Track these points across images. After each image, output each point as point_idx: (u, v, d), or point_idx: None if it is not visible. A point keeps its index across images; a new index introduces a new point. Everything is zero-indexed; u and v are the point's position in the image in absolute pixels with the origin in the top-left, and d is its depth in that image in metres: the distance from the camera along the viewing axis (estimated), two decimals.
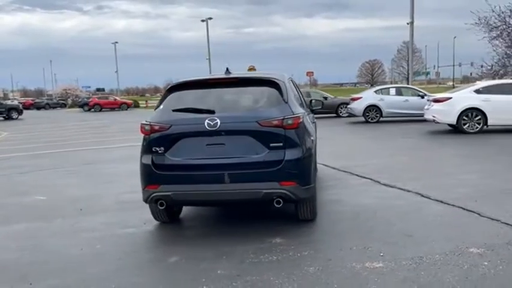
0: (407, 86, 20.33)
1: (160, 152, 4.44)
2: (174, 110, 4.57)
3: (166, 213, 4.92)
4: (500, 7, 17.79)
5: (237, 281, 3.45)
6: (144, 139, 4.59)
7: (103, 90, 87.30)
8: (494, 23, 18.15)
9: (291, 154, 4.27)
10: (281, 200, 4.28)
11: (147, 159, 4.51)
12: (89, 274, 3.78)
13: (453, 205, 5.24)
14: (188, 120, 4.43)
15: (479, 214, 4.83)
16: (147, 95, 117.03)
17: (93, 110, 43.55)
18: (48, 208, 6.19)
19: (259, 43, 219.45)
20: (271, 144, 4.26)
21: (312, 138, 4.76)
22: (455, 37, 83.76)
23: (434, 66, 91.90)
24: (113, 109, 44.33)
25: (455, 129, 12.80)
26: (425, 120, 13.87)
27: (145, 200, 4.58)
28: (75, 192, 7.10)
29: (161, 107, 4.69)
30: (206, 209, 5.58)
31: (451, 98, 12.65)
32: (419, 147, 10.98)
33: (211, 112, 4.37)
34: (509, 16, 17.78)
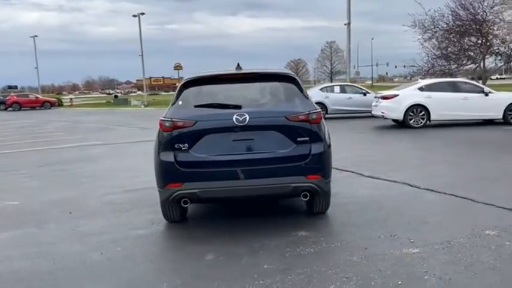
0: (351, 84, 21.30)
1: (184, 148, 4.30)
2: (196, 106, 4.45)
3: (180, 212, 4.78)
4: (432, 11, 19.37)
5: (291, 274, 3.47)
6: (163, 136, 4.40)
7: (15, 87, 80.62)
8: (428, 25, 19.70)
9: (316, 148, 4.36)
10: (308, 194, 4.35)
11: (168, 156, 4.34)
12: (131, 278, 3.57)
13: (444, 193, 5.64)
14: (215, 115, 4.33)
15: (472, 200, 5.25)
16: (65, 92, 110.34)
17: (11, 109, 40.19)
18: (29, 213, 5.69)
19: (183, 40, 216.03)
20: (298, 139, 4.31)
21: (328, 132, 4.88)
22: (372, 39, 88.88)
23: (354, 66, 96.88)
24: (33, 108, 41.21)
25: (401, 124, 13.67)
26: (365, 117, 14.70)
27: (166, 199, 4.41)
28: (48, 196, 6.61)
29: (179, 102, 4.53)
30: (208, 206, 5.48)
31: (398, 95, 13.50)
32: (377, 141, 11.61)
33: (238, 107, 4.32)
34: (440, 20, 19.41)
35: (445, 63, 19.27)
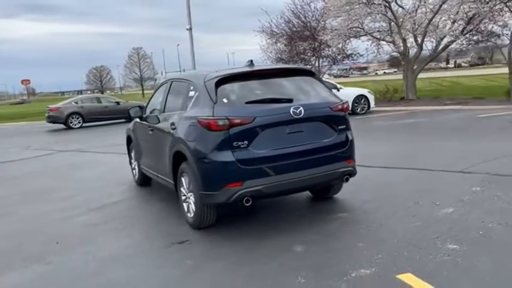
0: None
1: (243, 146, 4.23)
2: (247, 102, 4.39)
3: (216, 214, 4.64)
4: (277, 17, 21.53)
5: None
6: (216, 135, 4.23)
7: None
8: (274, 31, 21.66)
9: (350, 135, 4.83)
10: (349, 177, 4.78)
11: (227, 156, 4.20)
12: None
13: (427, 169, 6.46)
14: (273, 110, 4.37)
15: (462, 171, 6.22)
16: None
17: None
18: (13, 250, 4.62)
19: None
20: (339, 127, 4.70)
21: None
22: (178, 45, 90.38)
23: (162, 72, 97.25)
24: None
25: None
26: None
27: (227, 200, 4.25)
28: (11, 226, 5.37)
29: (224, 100, 4.39)
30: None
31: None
32: None
33: (290, 101, 4.45)
34: (279, 26, 21.62)
35: None
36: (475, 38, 17.49)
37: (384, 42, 20.96)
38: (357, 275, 3.36)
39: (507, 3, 14.85)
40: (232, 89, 4.56)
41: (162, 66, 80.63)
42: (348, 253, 3.84)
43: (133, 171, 7.38)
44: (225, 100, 4.42)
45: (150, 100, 6.56)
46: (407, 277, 3.26)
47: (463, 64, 73.55)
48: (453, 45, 18.82)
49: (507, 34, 16.06)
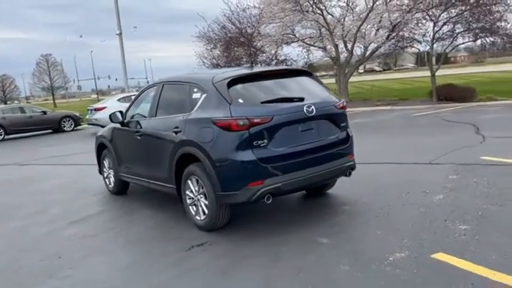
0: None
1: (262, 145, 4.32)
2: (263, 102, 4.48)
3: (229, 214, 4.68)
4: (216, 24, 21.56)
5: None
6: (236, 135, 4.28)
7: None
8: (210, 36, 21.62)
9: (350, 131, 5.12)
10: (351, 172, 5.05)
11: (248, 155, 4.27)
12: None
13: (400, 163, 6.97)
14: (289, 109, 4.49)
15: (431, 163, 6.88)
16: None
17: None
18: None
19: None
20: (341, 124, 4.97)
21: None
22: (92, 51, 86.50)
23: (74, 80, 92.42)
24: None
25: None
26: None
27: (248, 199, 4.31)
28: None
29: (240, 100, 4.44)
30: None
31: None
32: None
33: (302, 99, 4.61)
34: (220, 30, 21.64)
35: None
36: (400, 44, 18.97)
37: (316, 48, 21.99)
38: (395, 259, 3.62)
39: (428, 12, 16.34)
40: (244, 89, 4.63)
41: (74, 74, 76.52)
42: (373, 240, 4.08)
43: (107, 180, 7.07)
44: (240, 100, 4.47)
45: (130, 105, 6.35)
46: (441, 256, 3.57)
47: (376, 69, 78.86)
48: (381, 50, 20.19)
49: (427, 40, 17.66)
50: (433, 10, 16.16)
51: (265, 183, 4.32)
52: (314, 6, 18.68)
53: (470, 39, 17.45)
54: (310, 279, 3.46)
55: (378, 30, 19.57)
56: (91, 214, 6.03)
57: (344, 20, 19.93)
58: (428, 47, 17.98)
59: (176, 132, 4.92)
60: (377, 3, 18.14)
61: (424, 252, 3.67)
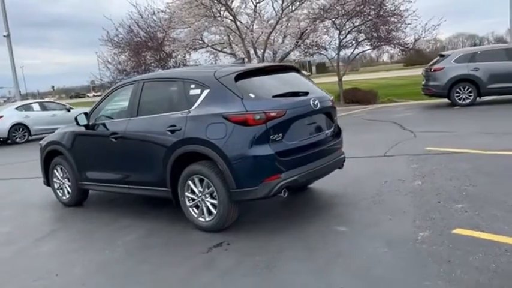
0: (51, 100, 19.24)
1: (278, 138, 4.31)
2: (274, 96, 4.46)
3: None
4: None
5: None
6: (253, 130, 4.20)
7: None
8: (115, 41, 20.36)
9: (339, 125, 5.33)
10: (343, 163, 5.27)
11: (266, 150, 4.22)
12: None
13: (357, 157, 7.40)
14: (298, 102, 4.54)
15: (386, 155, 7.32)
16: None
17: None
18: None
19: None
20: (334, 119, 5.16)
21: None
22: None
23: None
24: None
25: None
26: None
27: (267, 194, 4.26)
28: None
29: (251, 95, 4.36)
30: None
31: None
32: None
33: (306, 94, 4.69)
34: (126, 34, 20.50)
35: (125, 78, 20.66)
36: (309, 50, 20.05)
37: (224, 54, 22.17)
38: (424, 237, 3.88)
39: (335, 21, 17.58)
40: (251, 84, 4.56)
41: None
42: (390, 224, 4.31)
43: (59, 191, 6.37)
44: (251, 95, 4.40)
45: (95, 107, 5.81)
46: (461, 231, 3.93)
47: None
48: (292, 57, 21.11)
49: (333, 47, 19.00)
50: (339, 20, 17.42)
51: (282, 177, 4.31)
52: (226, 12, 18.89)
53: (370, 48, 19.15)
54: (356, 262, 3.56)
55: (285, 37, 20.46)
56: (55, 229, 5.43)
57: (252, 27, 20.47)
58: (335, 54, 19.33)
59: (172, 131, 4.66)
60: (285, 11, 18.97)
61: (444, 229, 4.00)
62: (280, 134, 4.35)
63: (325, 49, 19.50)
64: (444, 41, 69.68)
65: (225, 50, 21.90)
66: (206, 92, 4.56)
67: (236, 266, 3.77)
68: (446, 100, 13.65)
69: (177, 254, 4.20)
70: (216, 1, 18.10)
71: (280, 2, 18.70)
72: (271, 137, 4.29)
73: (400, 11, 16.76)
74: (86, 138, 5.79)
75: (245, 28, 20.25)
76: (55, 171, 6.37)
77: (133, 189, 5.27)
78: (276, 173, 4.29)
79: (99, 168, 5.68)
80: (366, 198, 5.16)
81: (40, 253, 4.60)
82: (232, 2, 19.14)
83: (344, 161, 5.27)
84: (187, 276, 3.68)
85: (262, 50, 20.11)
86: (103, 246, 4.61)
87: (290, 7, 18.51)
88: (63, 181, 6.27)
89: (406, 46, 18.19)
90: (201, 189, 4.58)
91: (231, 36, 20.71)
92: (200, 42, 21.19)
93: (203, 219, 4.63)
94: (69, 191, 6.20)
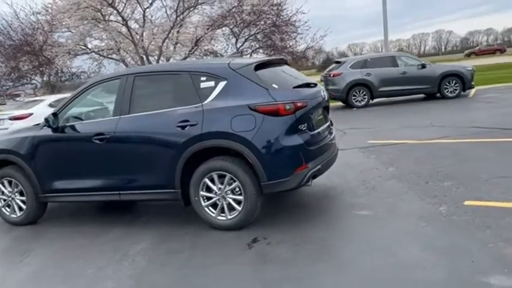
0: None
1: (304, 128, 4.34)
2: (294, 87, 4.45)
3: None
4: None
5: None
6: (283, 120, 4.17)
7: None
8: None
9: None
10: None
11: (296, 140, 4.22)
12: None
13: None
14: (315, 93, 4.63)
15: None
16: None
17: None
18: None
19: None
20: (326, 111, 5.35)
21: None
22: None
23: None
24: None
25: None
26: None
27: (298, 184, 4.26)
28: None
29: (274, 85, 4.30)
30: None
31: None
32: None
33: (315, 85, 4.78)
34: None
35: (10, 84, 18.05)
36: (204, 57, 20.06)
37: (109, 61, 20.93)
38: (446, 211, 4.28)
39: (232, 29, 17.99)
40: (268, 75, 4.49)
41: None
42: (407, 204, 4.62)
43: (6, 209, 5.40)
44: (274, 85, 4.34)
45: (63, 107, 5.05)
46: (470, 203, 4.43)
47: None
48: None
49: (229, 55, 19.35)
50: (237, 27, 17.88)
51: (310, 165, 4.34)
52: (116, 16, 17.90)
53: (263, 54, 20.00)
54: (413, 239, 3.77)
55: (176, 44, 20.15)
56: (34, 248, 4.58)
57: (143, 32, 19.72)
58: None
59: (184, 127, 4.35)
60: (180, 17, 18.74)
61: (455, 203, 4.46)
62: (305, 124, 4.38)
63: (222, 56, 19.75)
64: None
65: (111, 56, 20.70)
66: (223, 84, 4.37)
67: (295, 256, 3.69)
68: (341, 103, 14.96)
69: (216, 254, 3.93)
70: (105, 4, 17.06)
71: (175, 8, 18.42)
72: (300, 126, 4.30)
73: (294, 21, 17.93)
74: (54, 143, 5.02)
75: (135, 34, 19.45)
76: (0, 185, 5.36)
77: (126, 194, 4.74)
78: (306, 163, 4.31)
79: (74, 176, 4.96)
80: (358, 186, 5.45)
81: (27, 266, 3.86)
82: (123, 9, 18.16)
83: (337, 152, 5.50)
84: (255, 268, 3.48)
85: (156, 57, 19.56)
86: (119, 258, 4.05)
87: (186, 12, 18.35)
88: (13, 196, 5.31)
89: (298, 54, 19.46)
90: (221, 186, 4.35)
91: (117, 42, 19.66)
92: (83, 47, 19.70)
93: (223, 218, 4.40)
94: (22, 207, 5.28)
